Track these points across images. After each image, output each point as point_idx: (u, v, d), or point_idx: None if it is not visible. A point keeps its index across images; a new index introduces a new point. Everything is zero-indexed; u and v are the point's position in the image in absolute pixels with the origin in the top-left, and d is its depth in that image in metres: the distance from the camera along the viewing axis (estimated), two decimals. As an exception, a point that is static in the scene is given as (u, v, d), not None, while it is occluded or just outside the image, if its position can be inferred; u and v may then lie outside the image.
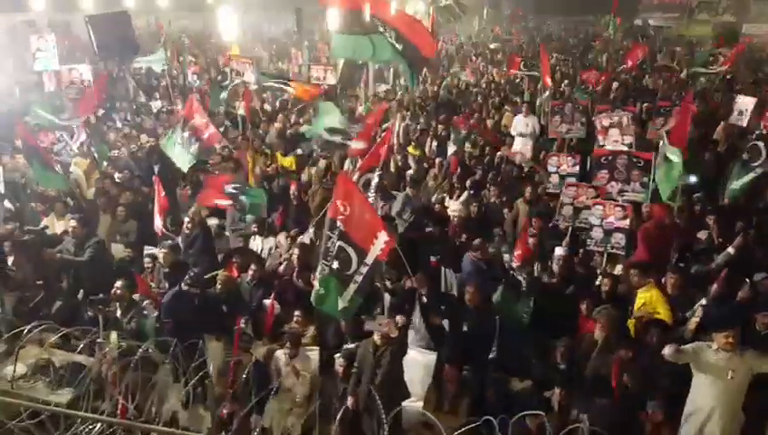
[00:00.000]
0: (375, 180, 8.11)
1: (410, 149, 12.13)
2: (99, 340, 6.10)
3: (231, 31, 21.60)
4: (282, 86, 13.32)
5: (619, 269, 7.45)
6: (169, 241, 7.70)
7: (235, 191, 8.66)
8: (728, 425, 4.99)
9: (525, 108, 12.96)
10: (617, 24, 27.52)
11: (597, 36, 32.63)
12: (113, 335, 6.23)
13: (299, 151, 11.89)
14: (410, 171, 10.78)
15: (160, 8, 33.80)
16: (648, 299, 6.07)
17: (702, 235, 7.68)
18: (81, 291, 7.60)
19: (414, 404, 6.06)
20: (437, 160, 11.67)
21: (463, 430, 4.62)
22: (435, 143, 12.90)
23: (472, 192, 9.83)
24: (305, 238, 8.31)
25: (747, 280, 6.33)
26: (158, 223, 8.49)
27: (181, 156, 9.84)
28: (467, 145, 12.19)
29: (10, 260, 7.60)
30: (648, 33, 35.08)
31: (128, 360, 5.23)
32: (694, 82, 18.84)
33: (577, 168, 9.65)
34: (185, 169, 9.92)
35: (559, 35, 37.37)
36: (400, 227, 8.70)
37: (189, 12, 35.47)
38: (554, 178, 9.64)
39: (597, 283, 7.18)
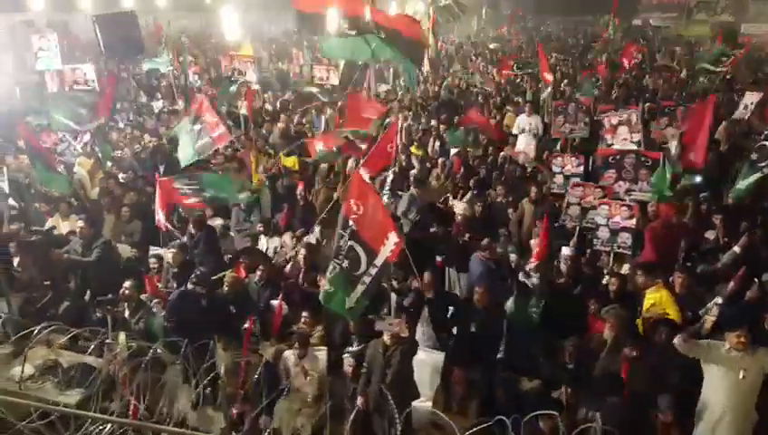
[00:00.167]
0: (390, 178, 8.10)
1: (413, 149, 12.14)
2: (107, 340, 6.10)
3: (233, 31, 21.56)
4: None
5: (626, 269, 7.45)
6: (178, 241, 7.70)
7: (190, 189, 8.55)
8: (741, 424, 5.00)
9: (528, 107, 12.99)
10: (616, 25, 27.55)
11: (596, 36, 32.62)
12: (122, 336, 6.24)
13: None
14: (414, 171, 10.78)
15: (159, 8, 33.73)
16: (657, 300, 6.08)
17: (710, 235, 7.69)
18: (88, 291, 7.59)
19: (423, 404, 6.07)
20: (440, 160, 11.69)
21: (475, 429, 4.63)
22: (437, 143, 12.93)
23: (476, 192, 9.85)
24: (311, 238, 8.32)
25: (756, 280, 6.33)
26: (159, 217, 8.48)
27: (185, 148, 9.81)
28: (470, 144, 12.20)
29: (15, 261, 7.58)
30: (647, 33, 35.13)
31: (139, 360, 5.22)
32: (694, 81, 18.94)
33: (581, 168, 9.65)
34: (183, 163, 9.83)
35: (558, 35, 37.42)
36: (405, 226, 8.70)
37: (188, 12, 35.41)
38: (559, 179, 9.64)
39: (604, 282, 7.20)
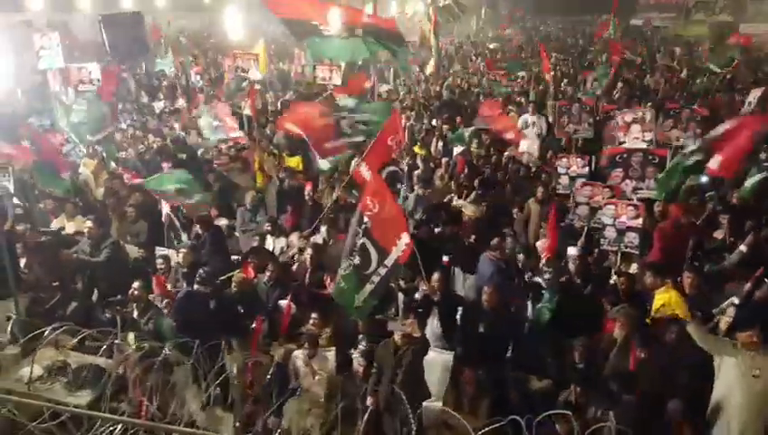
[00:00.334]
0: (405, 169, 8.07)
1: (416, 148, 12.15)
2: (116, 341, 6.08)
3: (236, 31, 21.57)
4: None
5: (633, 268, 7.46)
6: (189, 242, 7.70)
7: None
8: (754, 424, 5.00)
9: (532, 107, 13.01)
10: (616, 24, 27.61)
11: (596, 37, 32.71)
12: (131, 336, 6.24)
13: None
14: (418, 171, 10.78)
15: (158, 8, 33.71)
16: (666, 300, 6.08)
17: (719, 234, 7.70)
18: (96, 292, 7.57)
19: (432, 404, 6.06)
20: (444, 160, 11.70)
21: (487, 429, 4.63)
22: (440, 143, 12.94)
23: (480, 192, 9.85)
24: (318, 238, 8.32)
25: (766, 280, 6.34)
26: (165, 210, 8.52)
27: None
28: (474, 144, 12.21)
29: (22, 262, 7.56)
30: (645, 33, 35.22)
31: (151, 361, 5.21)
32: (694, 81, 19.01)
33: (587, 169, 9.67)
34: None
35: (557, 35, 37.48)
36: (410, 226, 8.70)
37: (186, 12, 35.41)
38: (564, 180, 9.66)
39: (611, 282, 7.21)
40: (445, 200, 9.92)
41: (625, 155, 9.22)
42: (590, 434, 4.63)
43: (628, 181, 8.94)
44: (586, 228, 8.03)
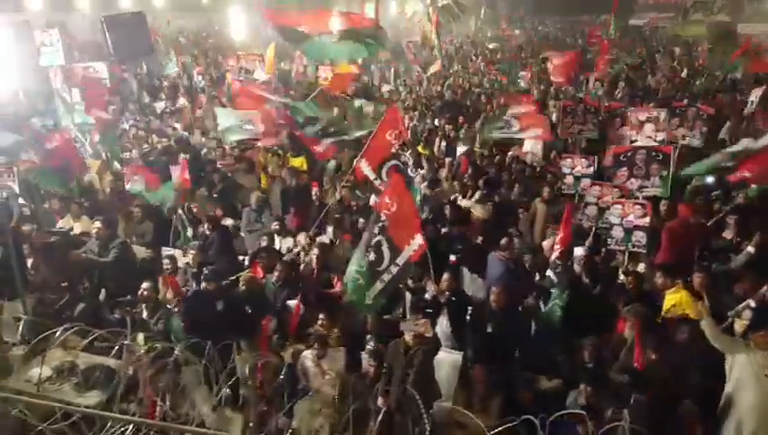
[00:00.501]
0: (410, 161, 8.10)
1: (420, 148, 12.14)
2: (126, 342, 6.06)
3: (239, 31, 21.55)
4: None
5: (641, 267, 7.46)
6: (198, 242, 7.70)
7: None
8: (766, 424, 5.01)
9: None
10: (615, 24, 27.68)
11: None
12: (140, 337, 6.22)
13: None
14: (423, 171, 10.77)
15: (156, 8, 33.63)
16: (677, 300, 6.08)
17: (728, 234, 7.71)
18: (103, 292, 7.56)
19: (442, 404, 6.06)
20: (447, 160, 11.71)
21: (500, 429, 4.63)
22: (443, 143, 12.94)
23: (485, 192, 9.85)
24: (324, 238, 8.32)
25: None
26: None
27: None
28: (477, 144, 12.22)
29: (29, 262, 7.53)
30: (644, 33, 35.30)
31: (164, 362, 5.20)
32: (694, 81, 19.08)
33: (591, 169, 9.67)
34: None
35: (556, 35, 37.54)
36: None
37: (184, 12, 35.31)
38: (569, 180, 9.67)
39: (619, 281, 7.22)
40: (449, 200, 9.93)
41: (629, 154, 9.22)
42: (603, 433, 4.64)
43: (633, 180, 8.94)
44: (594, 229, 8.04)
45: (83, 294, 7.25)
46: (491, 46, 30.04)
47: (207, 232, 8.08)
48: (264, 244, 8.11)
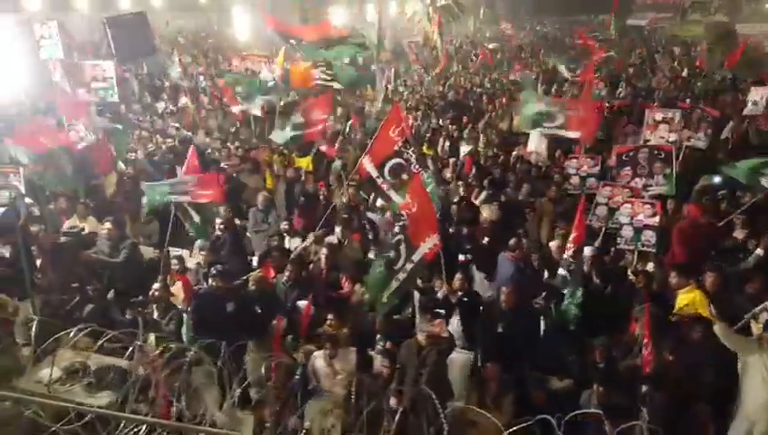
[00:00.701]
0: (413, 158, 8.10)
1: (424, 149, 12.14)
2: (137, 342, 6.05)
3: (242, 31, 21.52)
4: None
5: (650, 267, 7.47)
6: (208, 243, 7.69)
7: None
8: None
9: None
10: (613, 24, 27.74)
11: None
12: (151, 337, 6.21)
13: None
14: (429, 171, 10.76)
15: (155, 8, 33.54)
16: (690, 300, 6.11)
17: (738, 234, 7.73)
18: (112, 292, 7.54)
19: (454, 403, 6.06)
20: (451, 161, 11.70)
21: (515, 428, 4.63)
22: (447, 143, 12.94)
23: (491, 192, 9.85)
24: (333, 239, 8.30)
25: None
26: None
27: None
28: (481, 144, 12.21)
29: (37, 263, 7.51)
30: (643, 33, 35.33)
31: (179, 362, 5.19)
32: (694, 81, 19.10)
33: (597, 168, 9.70)
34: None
35: (554, 35, 37.55)
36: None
37: (183, 12, 35.21)
38: (575, 180, 9.68)
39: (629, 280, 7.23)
40: (454, 201, 9.93)
41: (631, 153, 9.26)
42: (620, 432, 4.65)
43: (637, 179, 8.97)
44: (604, 229, 8.05)
45: (93, 295, 7.21)
46: (491, 46, 30.00)
47: (220, 232, 8.05)
48: (274, 244, 8.08)
